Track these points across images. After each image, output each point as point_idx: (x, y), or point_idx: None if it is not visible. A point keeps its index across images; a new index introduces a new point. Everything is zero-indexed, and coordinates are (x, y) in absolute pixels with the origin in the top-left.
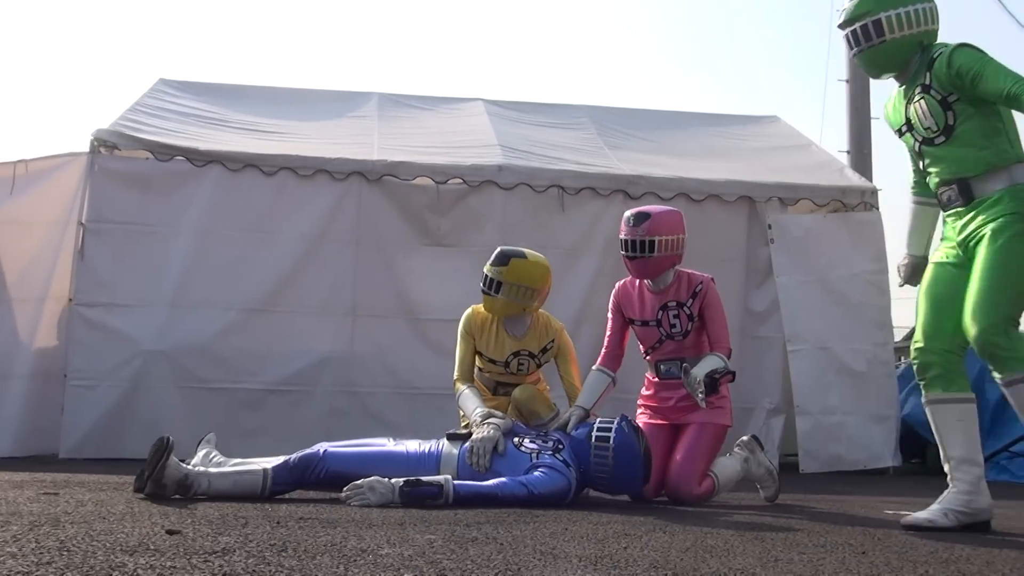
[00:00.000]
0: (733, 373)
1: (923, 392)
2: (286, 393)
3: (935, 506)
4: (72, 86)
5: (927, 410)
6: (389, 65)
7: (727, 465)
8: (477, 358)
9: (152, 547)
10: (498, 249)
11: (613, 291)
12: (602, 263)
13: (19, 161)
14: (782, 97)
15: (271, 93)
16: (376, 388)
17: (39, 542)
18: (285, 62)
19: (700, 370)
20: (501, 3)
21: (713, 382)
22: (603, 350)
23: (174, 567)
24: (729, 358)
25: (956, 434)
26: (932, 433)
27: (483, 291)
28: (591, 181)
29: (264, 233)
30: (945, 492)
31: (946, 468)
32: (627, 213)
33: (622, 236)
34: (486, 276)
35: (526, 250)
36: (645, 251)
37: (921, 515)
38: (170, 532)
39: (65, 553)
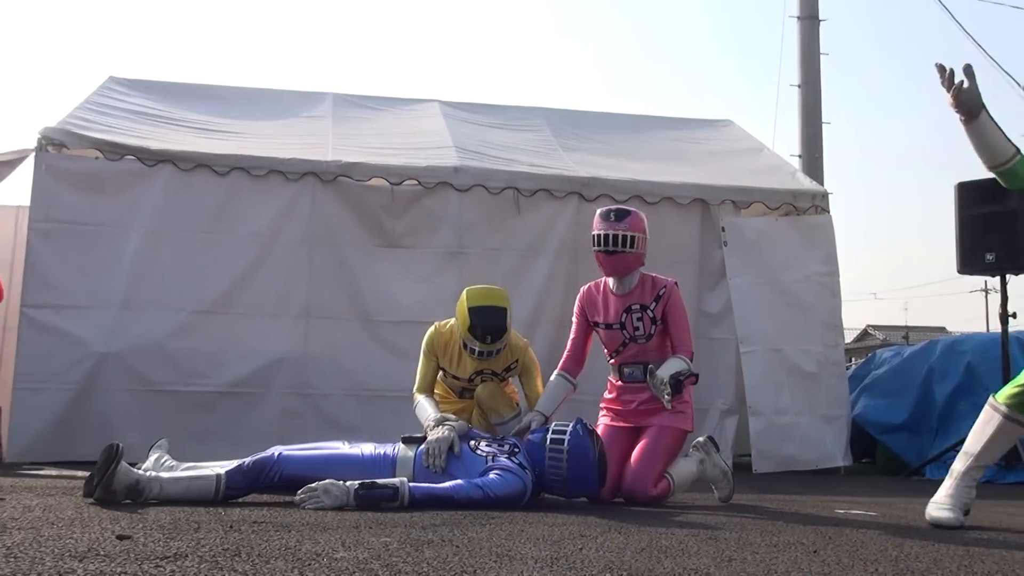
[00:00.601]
0: (696, 375)
1: (1004, 404)
2: (239, 395)
3: (955, 504)
4: (19, 83)
5: (996, 415)
6: (344, 66)
7: (683, 467)
8: (441, 373)
9: (102, 553)
10: (479, 327)
11: (578, 295)
12: (556, 265)
13: None
14: (735, 101)
15: (224, 92)
16: (330, 390)
17: None
18: (238, 61)
19: (664, 371)
20: (458, 6)
21: (678, 383)
22: (565, 353)
23: (124, 573)
24: (692, 361)
25: (997, 447)
26: (882, 433)
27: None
28: (546, 183)
29: (216, 234)
30: (956, 487)
31: (962, 465)
32: (602, 209)
33: (599, 231)
34: (475, 350)
35: (499, 317)
36: (625, 246)
37: (947, 515)
38: (120, 537)
39: (12, 560)
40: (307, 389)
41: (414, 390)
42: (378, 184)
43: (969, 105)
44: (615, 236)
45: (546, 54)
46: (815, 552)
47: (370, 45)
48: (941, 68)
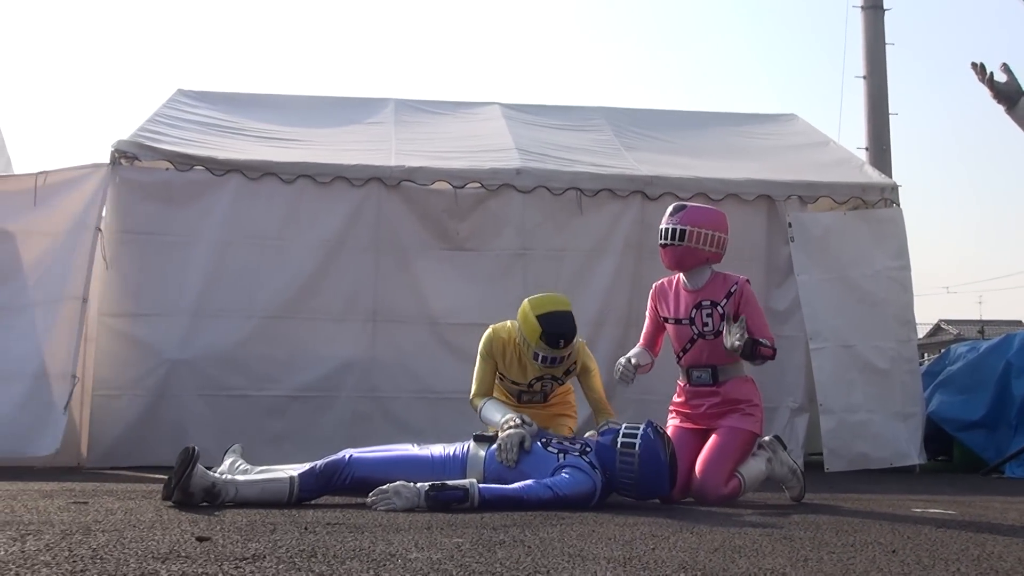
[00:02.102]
0: (774, 351)
1: None
2: (309, 399)
3: None
4: (92, 99)
5: None
6: (404, 72)
7: (752, 466)
8: (498, 378)
9: (183, 554)
10: (552, 333)
11: (651, 290)
12: (621, 265)
13: (40, 172)
14: (799, 96)
15: (287, 101)
16: (398, 393)
17: (72, 551)
18: (301, 71)
19: (746, 334)
20: (516, 9)
21: (754, 345)
22: (639, 343)
23: (206, 573)
24: (773, 347)
25: None
26: (958, 430)
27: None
28: (609, 183)
29: (284, 240)
30: None
31: None
32: (671, 206)
33: (660, 225)
34: (547, 358)
35: (569, 320)
36: (675, 239)
37: None
38: (200, 539)
39: (98, 561)
40: (375, 392)
41: (471, 396)
42: (441, 188)
43: (1006, 94)
44: (667, 230)
45: (603, 53)
46: (894, 552)
47: (429, 51)
48: (974, 65)
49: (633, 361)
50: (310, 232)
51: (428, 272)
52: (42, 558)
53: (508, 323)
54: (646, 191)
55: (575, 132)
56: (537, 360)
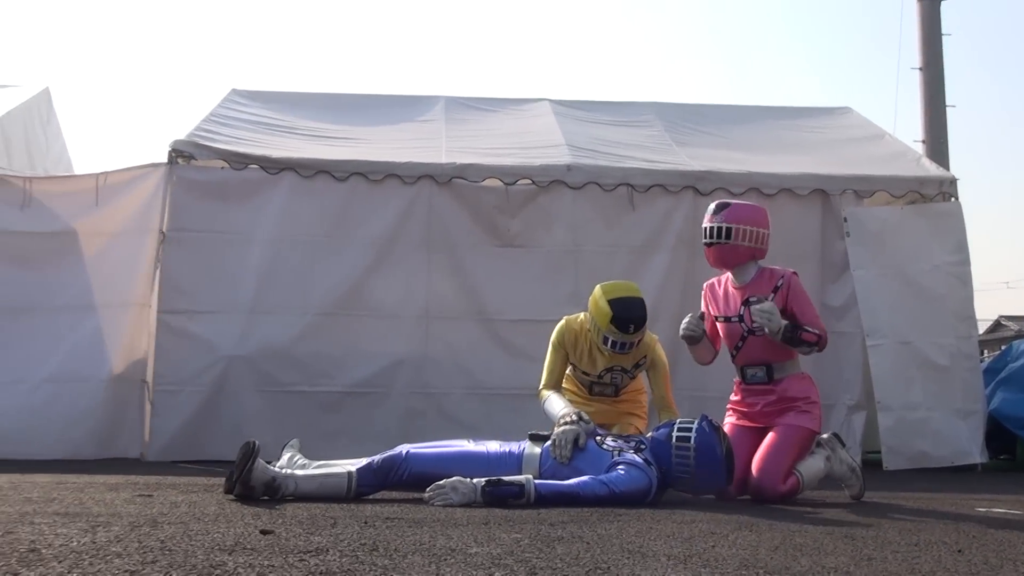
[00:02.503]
0: (820, 337)
1: None
2: (363, 395)
3: None
4: (150, 99)
5: None
6: (455, 69)
7: (811, 463)
8: (570, 368)
9: (248, 546)
10: (622, 317)
11: (703, 289)
12: (673, 261)
13: (101, 173)
14: (854, 88)
15: (339, 100)
16: (450, 389)
17: (141, 542)
18: (353, 69)
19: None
20: (563, 4)
21: (795, 331)
22: None
23: (272, 566)
24: (823, 340)
25: None
26: (1022, 428)
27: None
28: (660, 178)
29: (337, 238)
30: None
31: None
32: (711, 204)
33: (703, 224)
34: (616, 343)
35: (640, 306)
36: (721, 237)
37: None
38: (264, 532)
39: (167, 553)
40: (428, 389)
41: (540, 387)
42: (492, 184)
43: None
44: (711, 228)
45: (652, 47)
46: (960, 552)
47: (479, 48)
48: None
49: (699, 314)
50: (363, 229)
51: (479, 269)
52: (113, 549)
53: (581, 315)
54: (698, 186)
55: (626, 128)
56: (607, 345)
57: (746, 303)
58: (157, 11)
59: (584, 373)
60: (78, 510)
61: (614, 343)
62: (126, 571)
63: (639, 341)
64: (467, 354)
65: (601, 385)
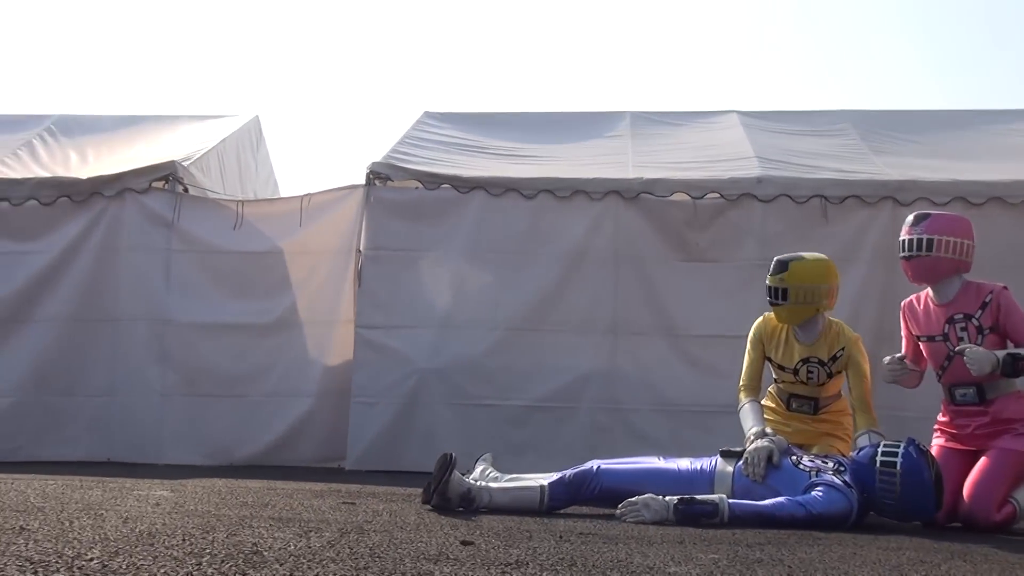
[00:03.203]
0: None
1: None
2: (550, 409)
3: None
4: (348, 123)
5: None
6: (640, 84)
7: None
8: (769, 366)
9: (451, 557)
10: (775, 258)
11: (900, 309)
12: (870, 274)
13: (305, 195)
14: None
15: (527, 119)
16: (638, 405)
17: (352, 548)
18: (539, 88)
19: (1001, 352)
20: (748, 12)
21: (1015, 363)
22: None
23: None
24: None
25: None
26: None
27: (771, 303)
28: (856, 189)
29: (526, 254)
30: None
31: None
32: (908, 216)
33: (900, 237)
34: (769, 287)
35: (804, 252)
36: (922, 250)
37: None
38: (464, 543)
39: (377, 560)
40: (615, 404)
41: (739, 386)
42: (680, 199)
43: None
44: (910, 241)
45: (848, 51)
46: None
47: (663, 61)
48: None
49: (899, 356)
50: (551, 245)
51: (667, 284)
52: (327, 554)
53: None
54: (897, 197)
55: (818, 137)
56: (768, 296)
57: (950, 321)
58: (351, 40)
59: (780, 368)
60: (290, 515)
61: (767, 288)
62: None
63: (784, 292)
64: (655, 370)
65: (799, 399)
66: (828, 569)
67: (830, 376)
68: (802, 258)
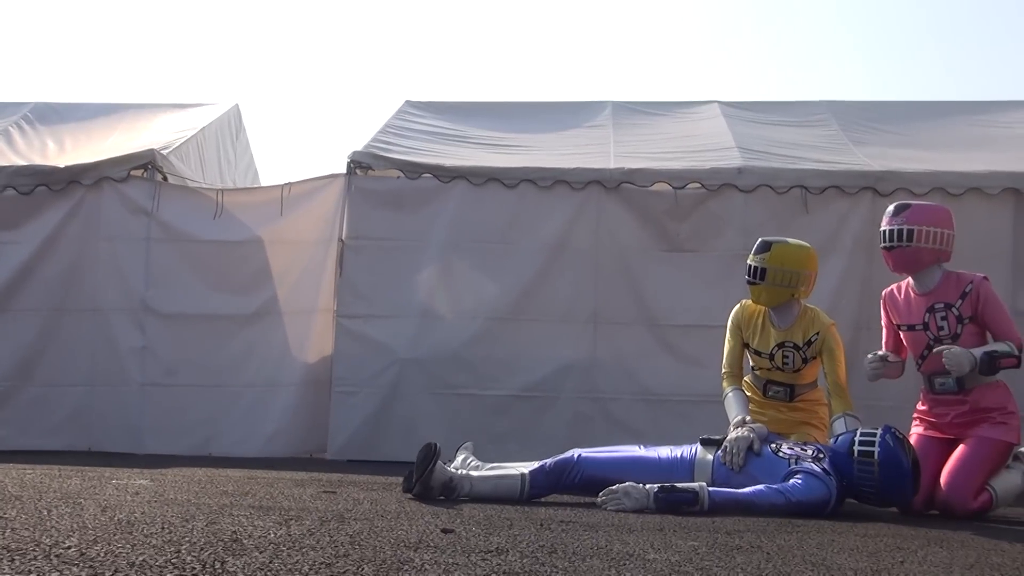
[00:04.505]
0: (1019, 359)
1: None
2: (531, 399)
3: None
4: (328, 111)
5: None
6: (620, 74)
7: (1006, 479)
8: (746, 352)
9: (432, 544)
10: (760, 239)
11: (881, 298)
12: (850, 264)
13: (285, 184)
14: None
15: (509, 108)
16: (619, 395)
17: (331, 536)
18: (519, 77)
19: (979, 350)
20: (728, 2)
21: (992, 361)
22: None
23: (456, 564)
24: (1021, 349)
25: None
26: None
27: (748, 281)
28: (836, 179)
29: (507, 244)
30: None
31: None
32: (889, 206)
33: (880, 227)
34: (750, 266)
35: (789, 238)
36: (902, 240)
37: None
38: (444, 531)
39: (357, 547)
40: (596, 394)
41: (722, 373)
42: (661, 189)
43: None
44: (891, 231)
45: (819, 43)
46: None
47: (643, 51)
48: None
49: (880, 353)
50: (532, 235)
51: (649, 274)
52: (307, 542)
53: None
54: (877, 187)
55: (798, 128)
56: (747, 274)
57: (930, 310)
58: (333, 29)
59: (757, 353)
60: (270, 504)
61: (747, 267)
62: (322, 563)
63: (763, 272)
64: (636, 359)
65: (775, 386)
66: (807, 555)
67: (805, 361)
68: (786, 242)
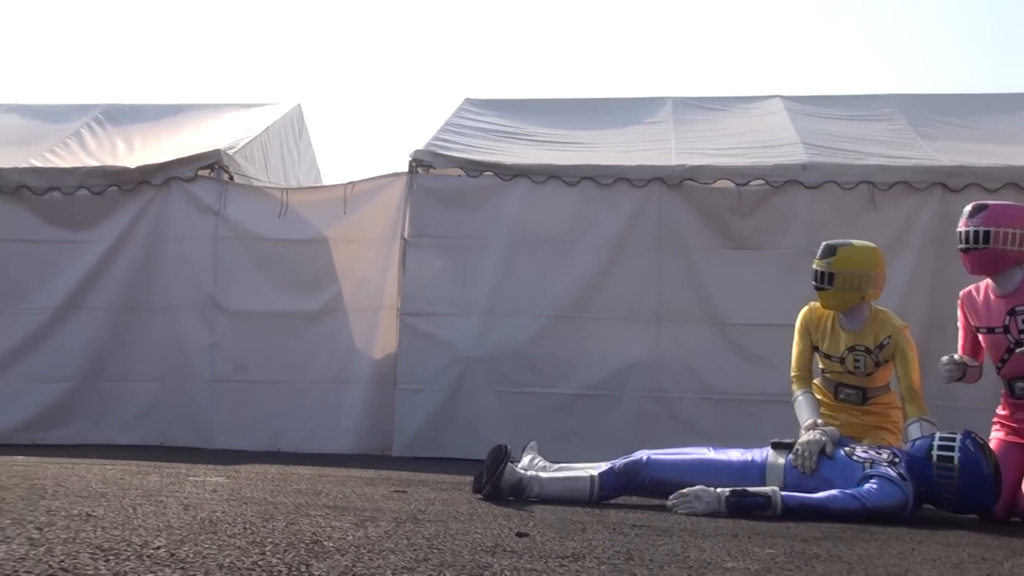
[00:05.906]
0: None
1: None
2: (595, 398)
3: None
4: (390, 110)
5: None
6: (681, 69)
7: None
8: (816, 355)
9: (508, 549)
10: (824, 243)
11: (959, 299)
12: (920, 262)
13: (348, 183)
14: None
15: (569, 105)
16: (683, 394)
17: (409, 539)
18: (581, 74)
19: None
20: None
21: None
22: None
23: (535, 569)
24: None
25: None
26: None
27: (816, 287)
28: (904, 175)
29: (569, 242)
30: None
31: None
32: (966, 207)
33: (957, 229)
34: (815, 271)
35: (853, 239)
36: (978, 242)
37: None
38: (519, 535)
39: (435, 551)
40: (660, 393)
41: (791, 376)
42: (724, 186)
43: None
44: (967, 233)
45: (895, 33)
46: None
47: (706, 45)
48: None
49: (957, 357)
50: (594, 233)
51: (712, 272)
52: (386, 545)
53: None
54: (947, 183)
55: (864, 122)
56: (814, 280)
57: (1011, 313)
58: (392, 28)
59: (827, 357)
60: (344, 504)
61: (813, 272)
62: (403, 567)
63: (831, 276)
64: (700, 358)
65: (847, 388)
66: (888, 566)
67: (877, 365)
68: (851, 244)
